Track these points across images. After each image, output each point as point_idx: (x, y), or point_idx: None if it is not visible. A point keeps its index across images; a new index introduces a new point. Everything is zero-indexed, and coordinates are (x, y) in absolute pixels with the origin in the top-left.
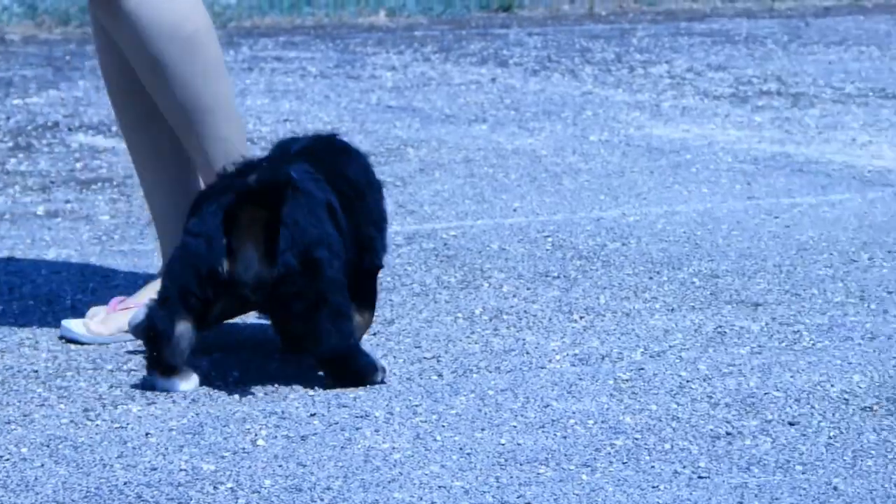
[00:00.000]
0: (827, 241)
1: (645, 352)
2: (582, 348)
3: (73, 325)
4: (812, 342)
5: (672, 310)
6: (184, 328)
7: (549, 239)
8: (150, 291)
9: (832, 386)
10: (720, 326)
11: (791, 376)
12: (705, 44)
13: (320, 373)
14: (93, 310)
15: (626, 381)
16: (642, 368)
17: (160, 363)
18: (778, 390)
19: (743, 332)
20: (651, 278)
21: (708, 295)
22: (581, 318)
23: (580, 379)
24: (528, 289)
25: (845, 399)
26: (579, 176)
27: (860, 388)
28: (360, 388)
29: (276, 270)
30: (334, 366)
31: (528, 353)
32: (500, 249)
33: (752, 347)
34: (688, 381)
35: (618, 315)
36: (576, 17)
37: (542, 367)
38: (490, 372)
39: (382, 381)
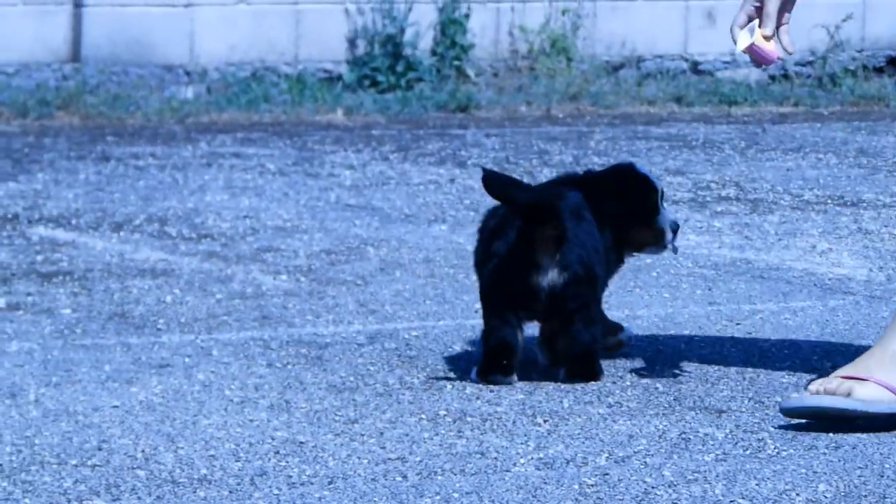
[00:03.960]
0: (789, 349)
1: (609, 457)
2: (546, 452)
3: None
4: (777, 450)
5: (635, 415)
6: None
7: None
8: None
9: (797, 495)
10: (684, 433)
11: (756, 484)
12: (663, 148)
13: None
14: None
15: (592, 486)
16: (607, 474)
17: (505, 369)
18: (744, 498)
19: (707, 439)
20: (614, 383)
21: (671, 400)
22: (545, 421)
23: (545, 483)
24: (491, 391)
25: None
26: None
27: (826, 497)
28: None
29: (563, 277)
30: (578, 361)
31: (492, 455)
32: (462, 351)
33: (716, 454)
34: (653, 488)
35: (581, 419)
36: (533, 119)
37: (506, 471)
38: (455, 474)
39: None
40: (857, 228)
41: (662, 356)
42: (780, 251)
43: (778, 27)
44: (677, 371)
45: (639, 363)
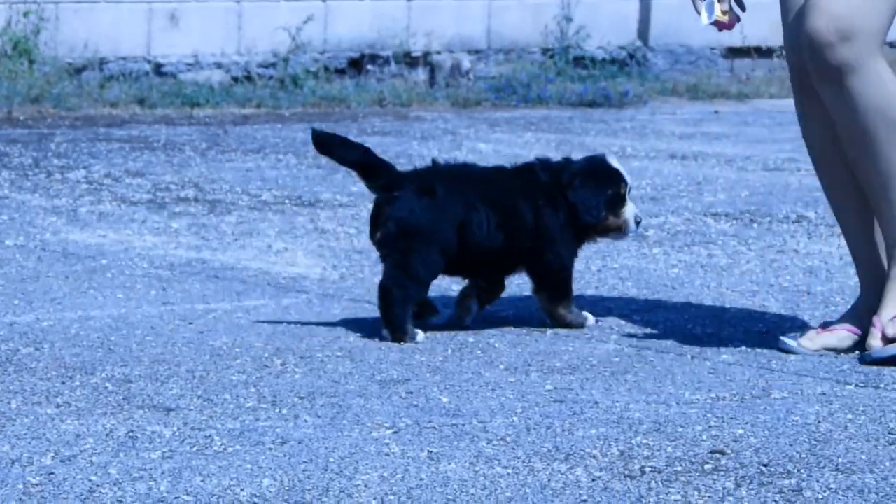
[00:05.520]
0: (241, 347)
1: (56, 456)
2: None
3: (788, 340)
4: (223, 447)
5: (84, 414)
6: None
7: None
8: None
9: (242, 490)
10: (132, 431)
11: (202, 480)
12: (124, 149)
13: None
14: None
15: (36, 485)
16: (52, 473)
17: None
18: (188, 494)
19: (155, 437)
20: (64, 383)
21: (121, 400)
22: None
23: None
24: None
25: (254, 502)
26: None
27: (270, 491)
28: None
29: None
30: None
31: None
32: None
33: (163, 452)
34: (98, 486)
35: (29, 419)
36: None
37: None
38: None
39: None
40: (314, 228)
41: (113, 356)
42: (236, 251)
43: None
44: (128, 370)
45: (89, 363)
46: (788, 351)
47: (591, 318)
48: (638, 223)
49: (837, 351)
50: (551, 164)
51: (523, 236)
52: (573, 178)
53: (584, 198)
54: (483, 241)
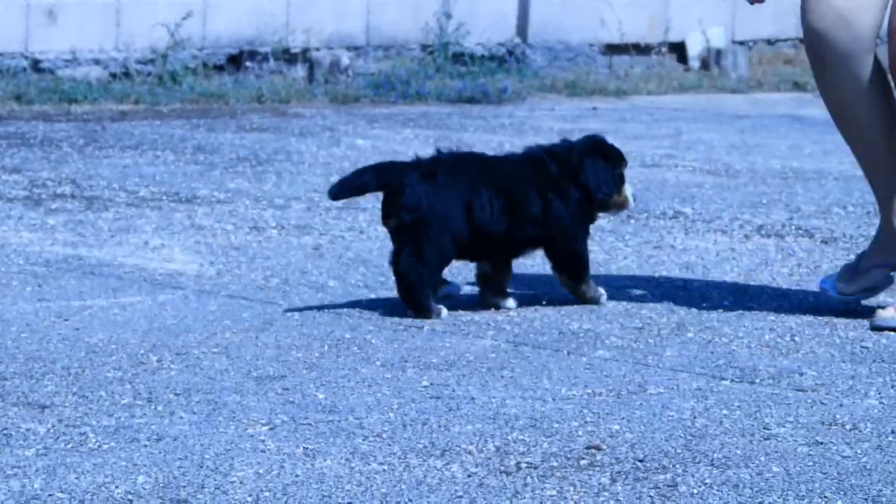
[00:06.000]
0: (116, 344)
1: None
2: None
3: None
4: (98, 444)
5: None
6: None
7: None
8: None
9: (117, 487)
10: (6, 428)
11: (76, 478)
12: (0, 146)
13: None
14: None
15: None
16: None
17: None
18: (63, 492)
19: (29, 434)
20: None
21: None
22: None
23: None
24: None
25: (129, 500)
26: None
27: (145, 488)
28: None
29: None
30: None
31: None
32: None
33: (37, 449)
34: None
35: None
36: None
37: None
38: None
39: None
40: (191, 224)
41: None
42: (112, 247)
43: None
44: (2, 368)
45: None
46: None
47: (605, 296)
48: (634, 199)
49: (875, 291)
50: (555, 148)
51: (535, 222)
52: (582, 158)
53: (595, 177)
54: (492, 227)
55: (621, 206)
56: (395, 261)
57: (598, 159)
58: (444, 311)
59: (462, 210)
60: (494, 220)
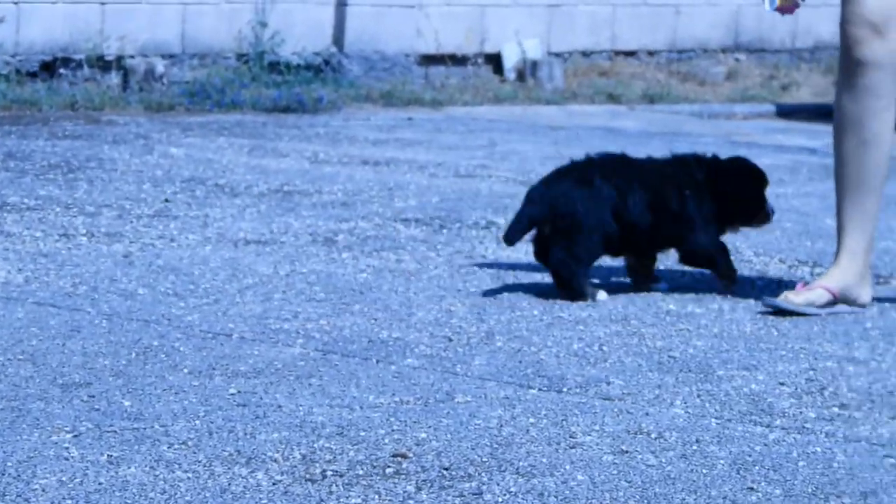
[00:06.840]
0: None
1: None
2: None
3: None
4: None
5: None
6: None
7: None
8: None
9: None
10: None
11: None
12: None
13: None
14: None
15: None
16: None
17: None
18: None
19: None
20: None
21: None
22: None
23: None
24: None
25: None
26: None
27: None
28: None
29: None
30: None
31: None
32: None
33: None
34: None
35: None
36: None
37: None
38: None
39: None
40: (0, 231)
41: None
42: None
43: None
44: None
45: None
46: (775, 307)
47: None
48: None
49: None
50: (706, 159)
51: (674, 219)
52: (731, 177)
53: (744, 194)
54: (639, 224)
55: (765, 221)
56: (540, 252)
57: (746, 178)
58: (602, 294)
59: (611, 212)
60: (641, 219)
